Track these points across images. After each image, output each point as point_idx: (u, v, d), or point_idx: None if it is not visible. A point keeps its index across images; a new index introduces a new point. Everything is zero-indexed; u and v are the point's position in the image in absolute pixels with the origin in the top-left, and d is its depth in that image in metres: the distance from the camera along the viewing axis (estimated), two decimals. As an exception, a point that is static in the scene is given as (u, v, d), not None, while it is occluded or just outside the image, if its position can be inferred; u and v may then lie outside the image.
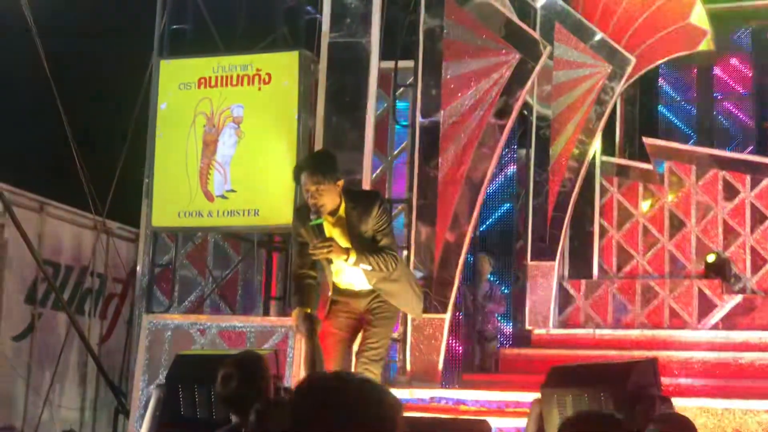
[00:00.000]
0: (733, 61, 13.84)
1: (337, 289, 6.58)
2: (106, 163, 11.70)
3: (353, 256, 6.21)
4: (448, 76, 9.59)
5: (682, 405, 5.76)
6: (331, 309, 6.61)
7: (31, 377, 11.65)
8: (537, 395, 5.84)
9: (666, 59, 11.79)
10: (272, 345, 8.88)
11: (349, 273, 6.46)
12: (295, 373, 8.79)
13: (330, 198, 6.27)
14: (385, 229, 6.36)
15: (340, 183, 6.34)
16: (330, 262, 6.40)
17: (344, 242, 6.33)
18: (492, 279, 12.29)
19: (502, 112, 9.52)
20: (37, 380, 11.76)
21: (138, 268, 10.76)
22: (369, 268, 6.27)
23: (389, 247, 6.34)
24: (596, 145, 11.56)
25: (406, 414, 7.44)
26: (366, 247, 6.30)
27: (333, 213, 6.35)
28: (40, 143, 12.35)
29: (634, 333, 10.73)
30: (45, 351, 12.01)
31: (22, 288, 11.66)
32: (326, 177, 6.24)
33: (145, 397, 9.26)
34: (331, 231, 6.37)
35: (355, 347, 6.77)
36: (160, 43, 10.33)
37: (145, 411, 6.76)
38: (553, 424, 5.49)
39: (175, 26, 10.20)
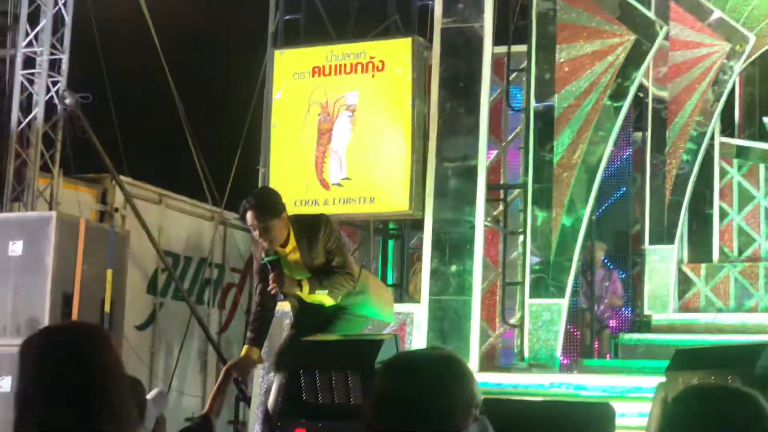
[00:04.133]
0: None
1: (305, 307, 6.58)
2: (223, 154, 11.87)
3: (306, 287, 6.26)
4: (562, 60, 9.49)
5: (810, 389, 5.60)
6: (298, 318, 6.66)
7: (154, 365, 11.89)
8: (659, 380, 5.74)
9: (786, 36, 11.49)
10: (390, 331, 8.91)
11: (316, 295, 6.47)
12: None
13: (278, 232, 6.28)
14: (335, 248, 6.37)
15: (285, 215, 6.33)
16: (286, 296, 6.45)
17: (302, 270, 6.36)
18: (609, 265, 12.14)
19: (618, 95, 9.39)
20: (159, 368, 12.01)
21: (255, 257, 10.87)
22: (326, 292, 6.32)
23: (342, 266, 6.35)
24: (715, 126, 11.32)
25: (526, 399, 7.41)
26: (321, 270, 6.34)
27: (285, 244, 6.36)
28: (159, 137, 12.59)
29: (758, 317, 10.49)
30: (166, 340, 12.26)
31: (143, 278, 11.91)
32: (270, 214, 6.25)
33: (265, 384, 9.37)
34: (288, 262, 6.39)
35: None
36: (274, 33, 10.44)
37: (266, 398, 6.83)
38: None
39: (288, 17, 10.29)
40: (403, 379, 2.61)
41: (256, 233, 6.27)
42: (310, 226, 6.43)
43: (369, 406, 2.64)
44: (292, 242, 6.38)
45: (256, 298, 6.61)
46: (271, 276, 6.20)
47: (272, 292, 6.27)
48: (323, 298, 6.46)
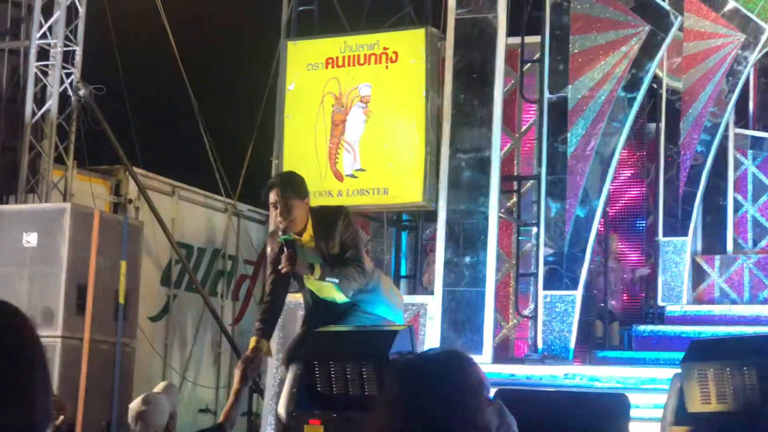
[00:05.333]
0: None
1: (317, 302, 6.54)
2: (235, 146, 11.89)
3: (318, 271, 6.20)
4: (576, 51, 9.48)
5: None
6: (310, 315, 6.62)
7: (168, 357, 11.92)
8: (673, 371, 5.73)
9: (801, 27, 11.43)
10: (404, 322, 8.90)
11: (328, 289, 6.41)
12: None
13: (298, 214, 6.24)
14: (351, 240, 6.34)
15: (308, 201, 6.33)
16: (296, 276, 6.37)
17: (317, 259, 6.31)
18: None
19: (632, 86, 9.38)
20: (173, 360, 12.04)
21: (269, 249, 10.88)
22: (336, 280, 6.25)
23: (355, 258, 6.30)
24: (729, 117, 11.28)
25: (541, 390, 7.41)
26: (334, 259, 6.30)
27: (302, 233, 6.32)
28: (172, 128, 12.60)
29: (773, 309, 10.46)
30: (180, 331, 12.29)
31: (157, 270, 11.94)
32: (295, 193, 6.24)
33: (279, 375, 9.38)
34: (303, 250, 6.33)
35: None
36: (288, 24, 10.43)
37: (280, 390, 6.82)
38: (693, 399, 5.39)
39: (301, 8, 10.29)
40: (411, 383, 2.70)
41: (276, 212, 6.24)
42: (329, 217, 6.41)
43: (382, 412, 2.73)
44: (309, 231, 6.36)
45: (267, 288, 6.60)
46: (284, 255, 6.15)
47: (283, 271, 6.18)
48: (334, 293, 6.44)
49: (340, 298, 6.47)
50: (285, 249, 6.15)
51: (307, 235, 6.35)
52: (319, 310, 6.53)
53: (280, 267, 6.17)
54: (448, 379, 2.68)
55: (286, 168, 9.87)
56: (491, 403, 2.75)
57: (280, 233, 6.23)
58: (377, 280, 6.59)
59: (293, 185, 6.30)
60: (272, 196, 6.23)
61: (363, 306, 6.53)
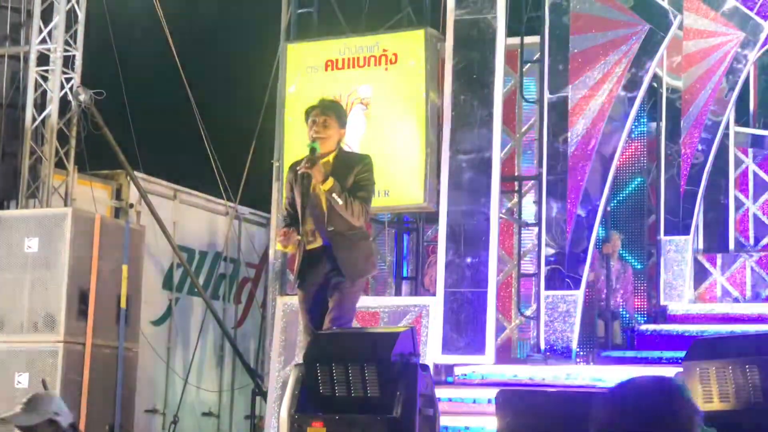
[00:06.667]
0: None
1: (304, 252, 6.62)
2: (236, 149, 11.88)
3: (330, 183, 6.37)
4: (575, 50, 9.47)
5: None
6: (299, 281, 6.71)
7: (171, 361, 11.92)
8: (675, 370, 5.73)
9: (801, 25, 11.43)
10: (406, 324, 8.91)
11: (316, 218, 6.53)
12: (429, 350, 8.81)
13: (331, 134, 6.57)
14: (365, 183, 6.59)
15: (343, 133, 6.66)
16: (307, 196, 6.47)
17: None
18: (623, 256, 12.10)
19: (632, 85, 9.37)
20: (176, 363, 12.03)
21: (270, 252, 10.91)
22: (340, 202, 6.40)
23: (363, 200, 6.53)
24: (729, 116, 11.28)
25: (543, 389, 7.40)
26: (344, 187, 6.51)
27: (323, 157, 6.52)
28: (173, 132, 12.60)
29: (775, 307, 10.46)
30: (183, 335, 12.28)
31: (159, 274, 11.93)
32: (336, 116, 6.63)
33: (282, 378, 9.38)
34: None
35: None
36: (287, 27, 10.44)
37: (283, 392, 6.81)
38: (696, 398, 5.38)
39: (301, 10, 10.30)
40: (631, 414, 2.65)
41: (313, 127, 6.55)
42: (354, 157, 6.90)
43: None
44: (330, 161, 6.55)
45: (285, 210, 6.78)
46: (307, 156, 6.38)
47: (300, 171, 6.38)
48: (320, 241, 6.52)
49: (320, 233, 6.54)
50: (310, 153, 6.42)
51: (326, 161, 6.54)
52: (308, 266, 6.61)
53: (298, 168, 6.42)
54: (674, 413, 2.60)
55: (286, 169, 9.86)
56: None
57: (309, 140, 6.50)
58: (365, 237, 6.74)
59: (337, 110, 6.77)
60: (313, 114, 6.62)
61: (343, 263, 6.52)
